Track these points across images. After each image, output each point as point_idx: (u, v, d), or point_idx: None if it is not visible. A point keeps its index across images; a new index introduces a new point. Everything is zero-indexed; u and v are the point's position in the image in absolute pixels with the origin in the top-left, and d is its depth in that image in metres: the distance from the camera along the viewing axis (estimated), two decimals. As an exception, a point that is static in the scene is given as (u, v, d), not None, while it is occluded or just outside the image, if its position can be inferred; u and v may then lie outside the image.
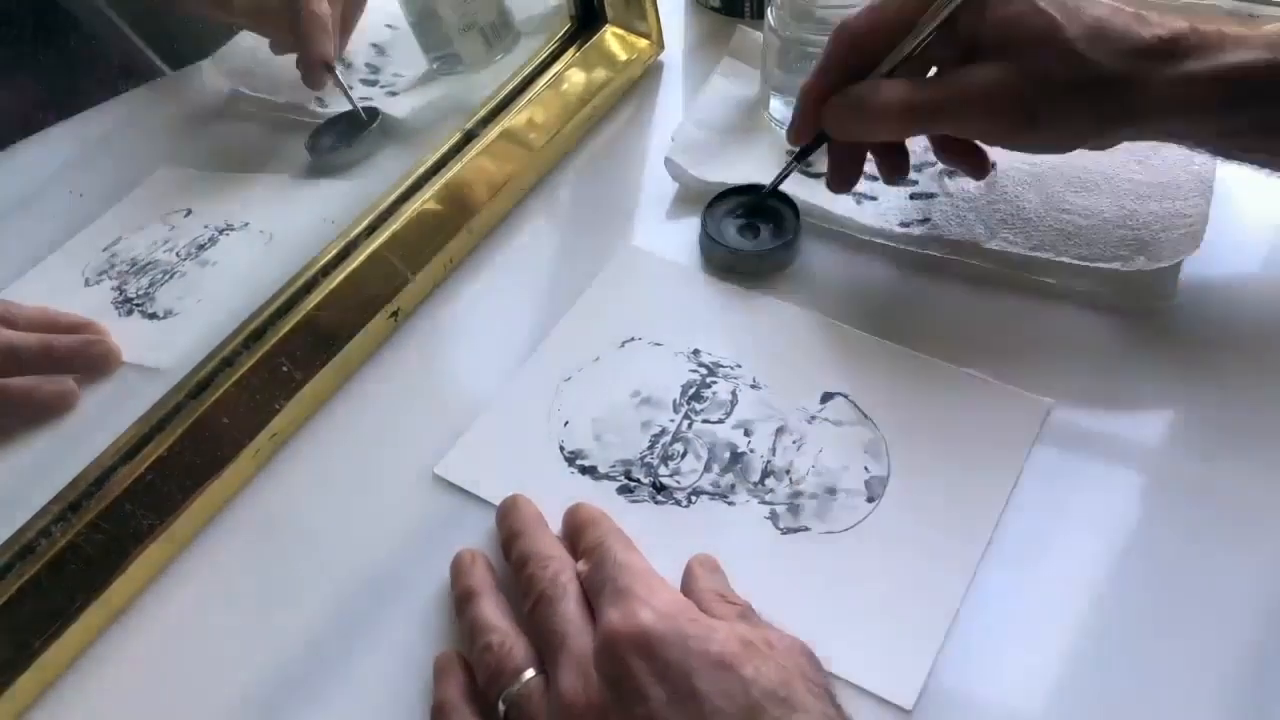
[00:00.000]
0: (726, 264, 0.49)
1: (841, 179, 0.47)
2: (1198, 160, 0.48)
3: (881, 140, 0.45)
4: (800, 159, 0.47)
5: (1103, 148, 0.41)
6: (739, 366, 0.45)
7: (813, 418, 0.42)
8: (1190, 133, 0.40)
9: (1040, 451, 0.40)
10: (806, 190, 0.50)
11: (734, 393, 0.44)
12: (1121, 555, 0.37)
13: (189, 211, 0.50)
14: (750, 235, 0.49)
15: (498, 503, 0.40)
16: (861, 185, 0.51)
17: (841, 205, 0.50)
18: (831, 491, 0.40)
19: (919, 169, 0.51)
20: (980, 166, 0.46)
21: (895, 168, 0.47)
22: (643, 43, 0.59)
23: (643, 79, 0.60)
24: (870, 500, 0.40)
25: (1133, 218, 0.46)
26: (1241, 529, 0.38)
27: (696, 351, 0.45)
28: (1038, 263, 0.46)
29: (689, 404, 0.43)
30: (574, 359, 0.46)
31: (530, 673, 0.33)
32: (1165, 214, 0.46)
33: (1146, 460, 0.40)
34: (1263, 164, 0.41)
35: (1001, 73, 0.39)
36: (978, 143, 0.45)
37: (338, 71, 0.55)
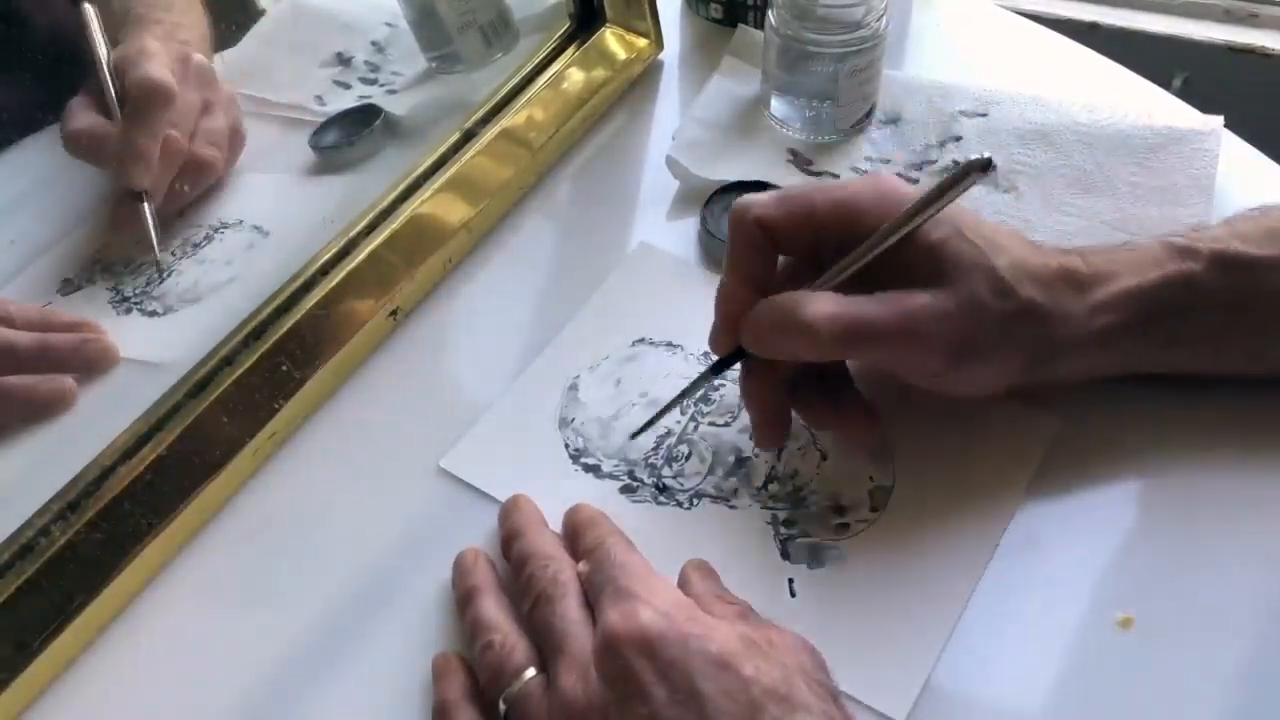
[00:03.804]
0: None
1: (770, 427, 0.40)
2: (1197, 164, 0.48)
3: (804, 359, 0.38)
4: (717, 372, 0.40)
5: (1016, 390, 0.38)
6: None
7: (817, 423, 0.42)
8: (1104, 363, 0.38)
9: (1047, 468, 0.39)
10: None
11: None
12: (1126, 575, 0.37)
13: (182, 212, 0.50)
14: None
15: (501, 499, 0.40)
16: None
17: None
18: (834, 500, 0.40)
19: (918, 168, 0.51)
20: (868, 434, 0.40)
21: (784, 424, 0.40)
22: (642, 42, 0.59)
23: (642, 78, 0.60)
24: (874, 510, 0.39)
25: (1132, 221, 0.47)
26: (1247, 540, 0.37)
27: (707, 354, 0.45)
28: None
29: (696, 406, 0.43)
30: (585, 357, 0.46)
31: (531, 672, 0.33)
32: (1165, 218, 0.46)
33: (1153, 474, 0.39)
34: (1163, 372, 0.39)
35: (942, 300, 0.35)
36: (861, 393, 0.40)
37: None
